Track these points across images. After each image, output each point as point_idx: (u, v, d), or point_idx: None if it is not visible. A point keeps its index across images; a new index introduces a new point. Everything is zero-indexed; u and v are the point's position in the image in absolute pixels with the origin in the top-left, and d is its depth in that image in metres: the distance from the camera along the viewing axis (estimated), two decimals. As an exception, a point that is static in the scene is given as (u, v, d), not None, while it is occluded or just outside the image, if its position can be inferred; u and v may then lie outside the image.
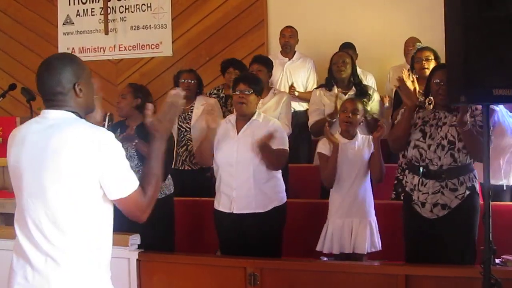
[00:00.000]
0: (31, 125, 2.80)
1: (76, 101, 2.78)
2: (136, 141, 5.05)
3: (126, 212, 2.80)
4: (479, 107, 4.43)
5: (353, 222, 4.94)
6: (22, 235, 2.71)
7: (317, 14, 8.71)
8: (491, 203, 3.60)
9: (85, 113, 2.85)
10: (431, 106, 4.65)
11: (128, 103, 5.35)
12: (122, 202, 2.74)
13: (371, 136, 5.09)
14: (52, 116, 2.74)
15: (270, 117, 5.26)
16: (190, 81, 6.63)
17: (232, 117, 5.07)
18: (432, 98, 4.63)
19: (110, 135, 2.72)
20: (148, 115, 2.97)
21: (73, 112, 2.76)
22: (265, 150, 4.72)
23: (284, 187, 5.09)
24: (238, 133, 4.94)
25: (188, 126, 6.55)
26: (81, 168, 2.61)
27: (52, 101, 2.76)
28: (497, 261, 4.63)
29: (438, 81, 4.54)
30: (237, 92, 4.93)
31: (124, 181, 2.73)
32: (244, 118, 4.97)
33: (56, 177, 2.62)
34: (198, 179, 6.44)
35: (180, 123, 6.54)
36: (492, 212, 3.59)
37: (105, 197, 2.72)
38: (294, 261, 4.84)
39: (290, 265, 4.66)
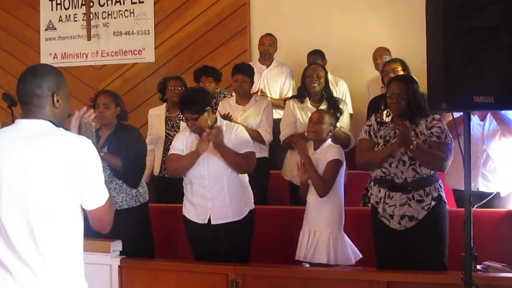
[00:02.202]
0: (5, 133, 2.76)
1: (52, 110, 2.78)
2: (102, 154, 4.93)
3: (97, 222, 2.79)
4: (437, 117, 4.52)
5: (315, 232, 4.91)
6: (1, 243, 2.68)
7: (299, 21, 8.73)
8: (472, 209, 3.63)
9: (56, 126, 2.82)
10: (389, 119, 4.70)
11: (112, 112, 5.33)
12: (98, 211, 2.74)
13: (335, 148, 5.08)
14: (27, 125, 2.74)
15: (233, 124, 5.29)
16: (179, 88, 6.62)
17: None
18: (389, 110, 4.69)
19: (90, 143, 2.73)
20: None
21: (49, 121, 2.76)
22: (219, 146, 4.79)
23: (252, 193, 5.13)
24: None
25: (176, 133, 6.52)
26: (62, 177, 2.61)
27: (28, 105, 2.75)
28: (478, 267, 4.66)
29: (390, 94, 4.61)
30: (187, 121, 4.94)
31: (101, 190, 2.75)
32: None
33: (36, 186, 2.60)
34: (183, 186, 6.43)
35: (167, 131, 6.53)
36: (474, 219, 3.61)
37: (79, 207, 2.71)
38: (276, 268, 4.83)
39: (272, 272, 4.65)
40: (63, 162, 2.60)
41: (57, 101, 2.78)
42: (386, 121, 4.75)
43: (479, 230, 3.93)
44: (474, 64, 3.39)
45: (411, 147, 4.33)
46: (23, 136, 2.68)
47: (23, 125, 2.75)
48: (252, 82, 6.56)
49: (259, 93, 7.26)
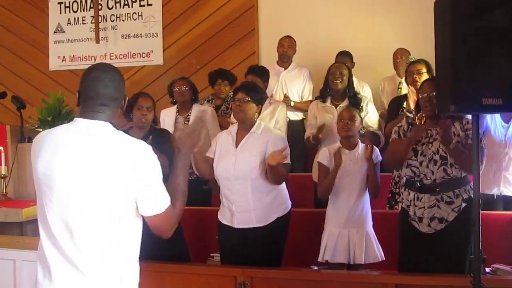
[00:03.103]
0: (64, 132, 2.71)
1: (117, 113, 2.78)
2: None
3: (156, 228, 2.76)
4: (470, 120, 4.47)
5: (350, 232, 4.92)
6: (49, 245, 2.65)
7: (308, 23, 8.74)
8: (481, 212, 3.62)
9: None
10: (423, 122, 4.65)
11: (153, 115, 5.35)
12: (156, 218, 2.71)
13: (376, 149, 5.11)
14: (85, 124, 2.68)
15: (271, 128, 5.19)
16: (183, 88, 6.57)
17: (233, 128, 4.95)
18: (423, 114, 4.64)
19: (150, 149, 2.70)
20: (178, 128, 2.96)
21: (110, 123, 2.72)
22: (273, 169, 4.63)
23: (287, 196, 4.97)
24: (237, 146, 4.83)
25: None
26: (119, 181, 2.58)
27: (101, 106, 2.70)
28: (487, 270, 4.64)
29: (425, 95, 4.56)
30: (236, 101, 4.87)
31: (161, 197, 2.71)
32: (244, 128, 4.85)
33: (93, 189, 2.57)
34: (194, 189, 6.37)
35: None
36: (483, 221, 3.60)
37: (136, 212, 2.68)
38: (285, 270, 4.80)
39: (281, 274, 4.63)
40: (119, 165, 2.58)
41: (123, 104, 2.81)
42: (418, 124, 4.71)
43: (488, 233, 3.92)
44: (483, 66, 3.38)
45: (450, 146, 4.33)
46: (80, 136, 2.65)
47: (82, 124, 2.69)
48: (264, 83, 6.53)
49: (277, 97, 7.29)
